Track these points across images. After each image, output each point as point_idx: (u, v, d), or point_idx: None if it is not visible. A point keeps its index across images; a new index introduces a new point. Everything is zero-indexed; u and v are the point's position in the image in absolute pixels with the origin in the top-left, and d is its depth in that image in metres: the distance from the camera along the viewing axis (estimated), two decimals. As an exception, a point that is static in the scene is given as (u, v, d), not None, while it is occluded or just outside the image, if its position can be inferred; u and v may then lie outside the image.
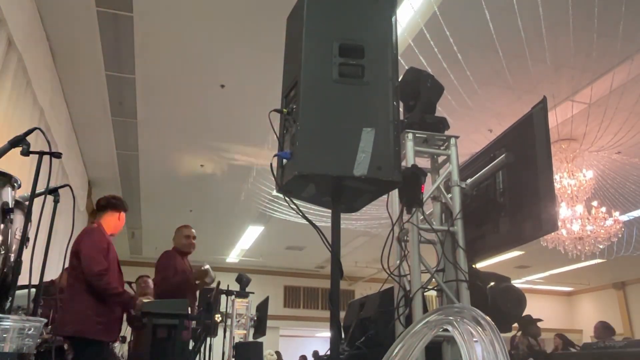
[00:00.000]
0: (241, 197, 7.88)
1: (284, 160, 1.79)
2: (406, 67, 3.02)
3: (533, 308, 4.21)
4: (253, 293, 6.66)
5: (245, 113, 5.69)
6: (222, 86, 5.24)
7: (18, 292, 1.96)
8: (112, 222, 3.50)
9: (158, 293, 4.30)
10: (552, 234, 6.23)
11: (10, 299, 1.86)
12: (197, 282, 4.41)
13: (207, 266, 4.43)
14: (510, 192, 2.56)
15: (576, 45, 4.27)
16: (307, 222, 1.85)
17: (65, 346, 3.30)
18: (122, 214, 3.57)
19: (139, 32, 4.41)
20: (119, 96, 5.42)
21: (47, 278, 2.45)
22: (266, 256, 12.09)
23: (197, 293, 4.79)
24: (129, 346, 5.35)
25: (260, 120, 4.97)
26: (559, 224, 6.21)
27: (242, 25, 4.33)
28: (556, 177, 6.31)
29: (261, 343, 6.25)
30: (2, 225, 1.91)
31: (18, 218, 2.07)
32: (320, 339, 14.08)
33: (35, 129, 2.20)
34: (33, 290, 2.15)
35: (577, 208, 6.47)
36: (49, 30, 4.38)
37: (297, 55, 1.82)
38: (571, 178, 6.37)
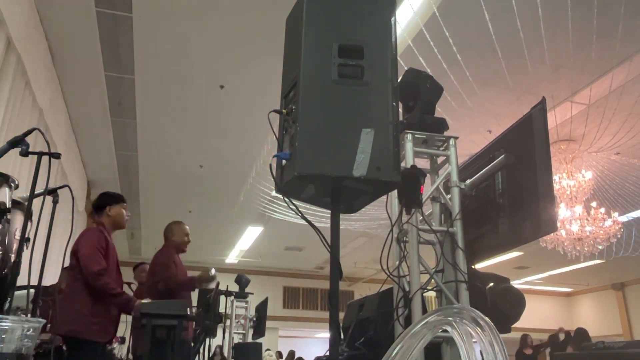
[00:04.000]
0: (240, 197, 7.88)
1: (283, 161, 1.79)
2: (405, 68, 3.02)
3: (532, 309, 4.22)
4: (252, 294, 6.65)
5: (245, 113, 5.69)
6: (222, 86, 5.25)
7: (17, 292, 1.96)
8: (111, 218, 3.45)
9: (161, 292, 4.05)
10: (552, 234, 6.24)
11: (9, 299, 1.86)
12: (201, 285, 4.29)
13: (213, 272, 4.28)
14: (510, 192, 2.55)
15: (575, 46, 4.28)
16: (306, 223, 1.84)
17: (64, 347, 3.29)
18: (119, 206, 3.47)
19: (138, 32, 4.41)
20: (118, 96, 5.43)
21: (46, 278, 2.44)
22: (265, 257, 12.09)
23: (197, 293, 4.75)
24: (129, 348, 5.33)
25: (260, 120, 4.99)
26: (558, 224, 6.21)
27: (242, 25, 4.33)
28: (555, 177, 6.32)
29: (260, 344, 6.24)
30: None
31: (17, 218, 2.07)
32: (320, 339, 14.06)
33: (34, 129, 2.20)
34: (32, 290, 2.14)
35: (576, 209, 6.47)
36: (48, 30, 4.38)
37: (297, 55, 1.81)
38: (570, 179, 6.38)
